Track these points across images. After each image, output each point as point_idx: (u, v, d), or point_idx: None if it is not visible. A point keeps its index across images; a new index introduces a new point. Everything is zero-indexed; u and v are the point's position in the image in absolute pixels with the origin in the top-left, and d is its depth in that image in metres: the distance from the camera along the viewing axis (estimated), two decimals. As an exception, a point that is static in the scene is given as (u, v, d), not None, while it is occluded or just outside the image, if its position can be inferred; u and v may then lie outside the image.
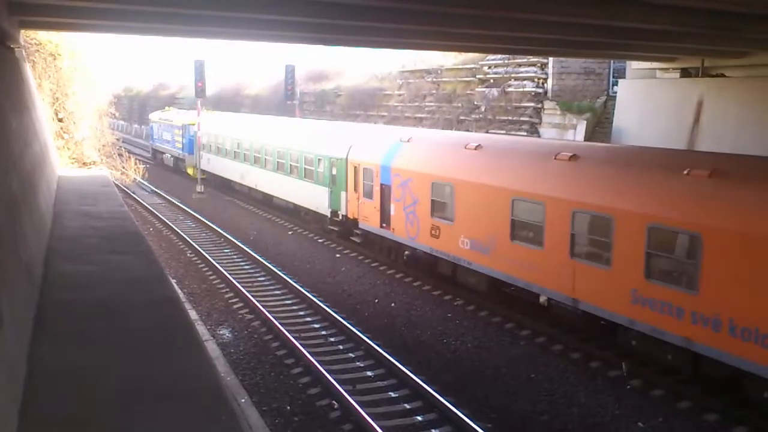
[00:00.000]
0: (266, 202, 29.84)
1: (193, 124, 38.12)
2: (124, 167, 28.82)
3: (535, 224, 14.33)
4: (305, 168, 25.21)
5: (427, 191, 17.67)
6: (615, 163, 13.70)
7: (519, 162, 15.55)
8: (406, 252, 19.19)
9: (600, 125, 29.68)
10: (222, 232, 25.04)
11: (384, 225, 19.85)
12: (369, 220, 20.68)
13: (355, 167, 21.39)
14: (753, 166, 12.24)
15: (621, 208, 12.33)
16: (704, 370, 11.40)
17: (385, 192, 19.71)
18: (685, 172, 11.81)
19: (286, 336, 14.28)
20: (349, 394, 11.52)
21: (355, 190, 21.43)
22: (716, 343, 10.72)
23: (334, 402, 11.56)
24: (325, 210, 23.72)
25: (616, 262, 12.42)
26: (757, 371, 10.21)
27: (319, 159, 24.08)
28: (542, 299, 14.68)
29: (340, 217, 22.79)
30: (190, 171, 39.88)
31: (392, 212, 19.34)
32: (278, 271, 19.49)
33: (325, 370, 12.46)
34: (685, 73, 24.16)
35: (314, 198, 24.53)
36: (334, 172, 22.94)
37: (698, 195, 11.43)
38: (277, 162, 27.96)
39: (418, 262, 18.72)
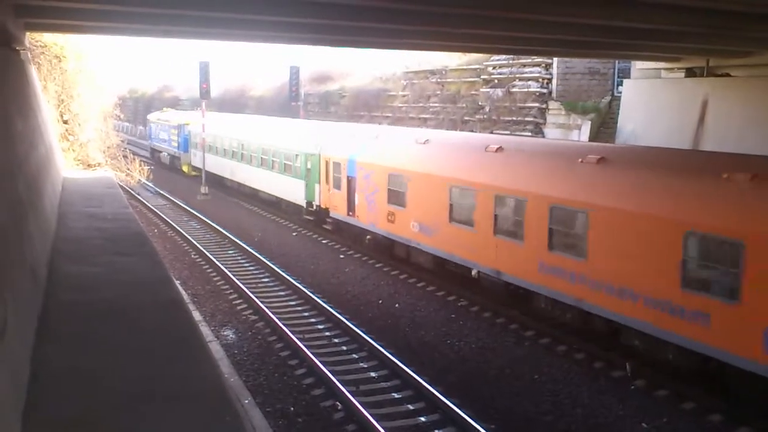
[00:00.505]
0: (269, 201, 30.06)
1: (188, 124, 40.92)
2: (128, 169, 28.89)
3: (467, 208, 16.36)
4: (285, 163, 27.67)
5: (384, 182, 19.84)
6: (530, 154, 15.91)
7: (456, 154, 17.83)
8: (368, 236, 21.35)
9: (605, 125, 29.64)
10: (226, 233, 25.08)
11: (350, 213, 22.06)
12: (338, 209, 22.93)
13: (327, 162, 23.69)
14: (636, 154, 14.93)
15: (530, 192, 14.42)
16: (592, 326, 13.42)
17: (351, 184, 21.90)
18: (580, 160, 13.91)
19: (290, 337, 14.30)
20: (352, 395, 11.53)
21: (327, 182, 23.74)
22: (601, 302, 12.82)
23: (337, 403, 11.57)
24: (301, 201, 26.13)
25: (527, 237, 14.49)
26: (629, 323, 12.31)
27: (296, 155, 26.46)
28: (474, 273, 16.60)
29: (315, 207, 25.17)
30: (185, 168, 42.03)
31: (357, 201, 21.56)
32: (282, 272, 19.52)
33: (329, 371, 12.48)
34: (690, 73, 24.10)
35: (292, 190, 27.02)
36: (309, 166, 25.30)
37: (587, 179, 13.57)
38: (261, 158, 30.43)
39: (378, 245, 20.89)
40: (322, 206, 24.29)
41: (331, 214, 23.59)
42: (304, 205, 25.81)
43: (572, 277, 13.34)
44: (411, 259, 19.19)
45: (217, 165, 36.24)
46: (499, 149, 16.25)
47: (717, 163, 12.30)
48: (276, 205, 29.14)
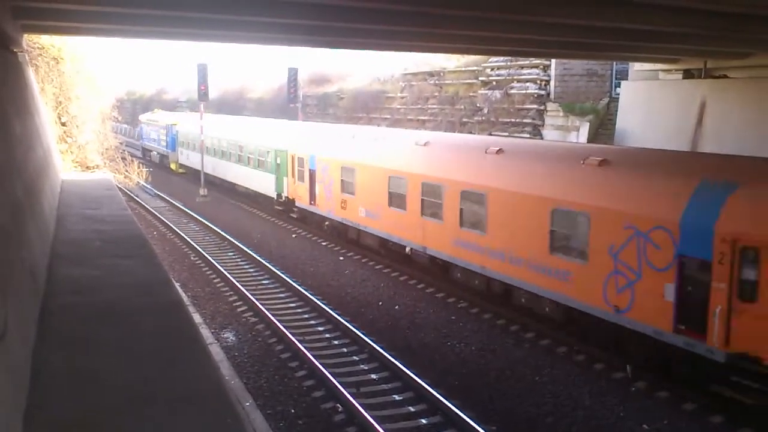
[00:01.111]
0: (265, 201, 30.16)
1: (176, 124, 43.67)
2: (127, 171, 28.84)
3: (401, 194, 18.99)
4: (258, 159, 30.51)
5: (338, 173, 22.61)
6: (450, 147, 18.73)
7: (394, 148, 20.48)
8: (326, 223, 24.06)
9: (603, 127, 29.66)
10: (225, 235, 25.06)
11: (312, 202, 24.82)
12: (302, 200, 25.72)
13: (293, 157, 26.42)
14: (529, 146, 17.80)
15: (447, 179, 17.10)
16: (493, 290, 15.95)
17: (312, 176, 24.59)
18: (485, 151, 16.53)
19: (290, 339, 14.27)
20: (353, 397, 11.51)
21: (293, 175, 26.47)
22: (498, 268, 15.48)
23: (338, 405, 11.54)
24: (272, 193, 28.82)
25: (445, 217, 17.13)
26: (517, 284, 14.98)
27: (268, 151, 29.22)
28: (407, 250, 19.13)
29: (283, 198, 27.79)
30: (173, 166, 44.29)
31: (317, 192, 24.27)
32: (282, 274, 19.49)
33: (330, 373, 12.46)
34: (688, 74, 24.12)
35: (265, 184, 29.74)
36: (278, 161, 27.96)
37: (488, 167, 16.17)
38: (238, 155, 33.17)
39: (335, 230, 23.61)
40: (290, 197, 26.98)
41: (296, 204, 26.27)
42: (275, 197, 28.44)
43: (477, 249, 16.03)
44: (360, 241, 21.80)
45: (199, 162, 37.53)
46: (427, 144, 19.06)
47: (584, 152, 14.72)
48: (254, 197, 31.55)
